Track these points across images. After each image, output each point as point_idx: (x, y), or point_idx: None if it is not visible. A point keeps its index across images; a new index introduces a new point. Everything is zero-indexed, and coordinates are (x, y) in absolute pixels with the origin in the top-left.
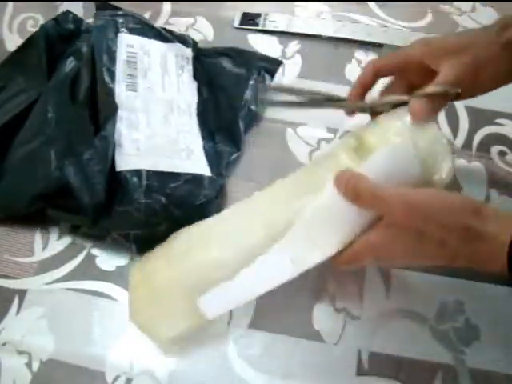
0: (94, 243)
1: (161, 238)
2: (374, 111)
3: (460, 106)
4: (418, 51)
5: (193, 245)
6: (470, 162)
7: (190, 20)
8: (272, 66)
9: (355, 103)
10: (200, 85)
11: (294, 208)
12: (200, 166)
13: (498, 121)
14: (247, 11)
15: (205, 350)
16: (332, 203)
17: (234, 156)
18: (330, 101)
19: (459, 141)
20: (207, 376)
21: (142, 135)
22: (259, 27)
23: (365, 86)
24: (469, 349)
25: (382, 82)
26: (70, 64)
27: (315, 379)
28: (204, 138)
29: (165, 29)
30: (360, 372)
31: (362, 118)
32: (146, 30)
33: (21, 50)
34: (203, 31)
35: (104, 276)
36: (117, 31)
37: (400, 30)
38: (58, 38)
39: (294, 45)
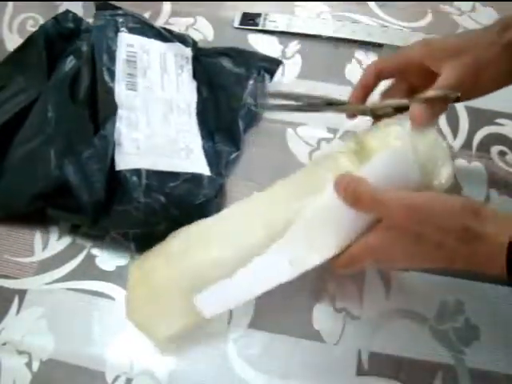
0: (94, 243)
1: (160, 237)
2: (375, 114)
3: (460, 106)
4: (418, 53)
5: (192, 244)
6: (470, 162)
7: (190, 20)
8: (272, 65)
9: (356, 106)
10: (199, 84)
11: (293, 208)
12: (199, 166)
13: (497, 121)
14: (247, 11)
15: (205, 349)
16: (332, 205)
17: (234, 155)
18: (329, 105)
19: (459, 141)
20: (207, 376)
21: (142, 134)
22: (259, 27)
23: (366, 87)
24: (469, 349)
25: (383, 84)
26: (69, 63)
27: (315, 379)
28: (203, 137)
29: (164, 28)
30: (360, 372)
31: (363, 119)
32: (146, 29)
33: (21, 49)
34: (203, 31)
35: (104, 276)
36: (117, 31)
37: (400, 30)
38: (57, 37)
39: (294, 45)
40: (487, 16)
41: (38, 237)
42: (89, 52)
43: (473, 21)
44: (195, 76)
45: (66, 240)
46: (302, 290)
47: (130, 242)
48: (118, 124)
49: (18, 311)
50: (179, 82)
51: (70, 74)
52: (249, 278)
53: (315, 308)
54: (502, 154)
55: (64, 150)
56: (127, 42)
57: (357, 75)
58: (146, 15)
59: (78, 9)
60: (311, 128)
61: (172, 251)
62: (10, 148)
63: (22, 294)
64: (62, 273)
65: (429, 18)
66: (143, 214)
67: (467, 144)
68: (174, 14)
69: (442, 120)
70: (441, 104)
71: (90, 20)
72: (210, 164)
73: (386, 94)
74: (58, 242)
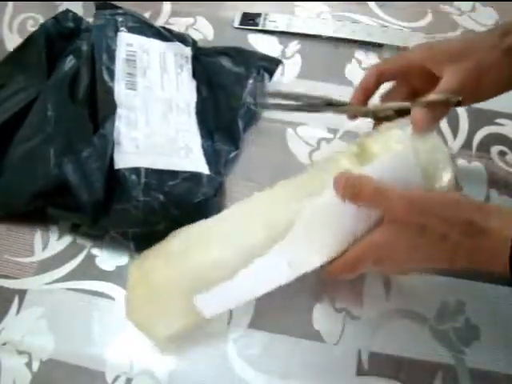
0: (94, 243)
1: (159, 237)
2: (377, 116)
3: None
4: (420, 56)
5: (192, 244)
6: (470, 162)
7: (190, 20)
8: (271, 65)
9: (357, 108)
10: (199, 84)
11: (294, 209)
12: (198, 165)
13: (497, 121)
14: (247, 11)
15: (205, 349)
16: (331, 203)
17: (233, 154)
18: (329, 105)
19: (459, 141)
20: (207, 376)
21: (141, 133)
22: (259, 27)
23: (367, 90)
24: (469, 349)
25: (384, 87)
26: (69, 62)
27: (315, 379)
28: (203, 136)
29: (164, 28)
30: (360, 372)
31: (363, 120)
32: (146, 28)
33: (21, 48)
34: (203, 31)
35: (104, 276)
36: (116, 30)
37: (400, 30)
38: (57, 37)
39: (294, 45)
40: (487, 16)
41: (38, 237)
42: (88, 51)
43: (473, 21)
44: (195, 75)
45: (66, 240)
46: (302, 291)
47: (130, 241)
48: (117, 123)
49: (17, 311)
50: (179, 82)
51: (69, 73)
52: (249, 279)
53: (315, 308)
54: (501, 154)
55: (63, 148)
56: (127, 42)
57: (357, 75)
58: (146, 15)
59: (78, 9)
60: (311, 128)
61: (172, 251)
62: (10, 147)
63: (21, 293)
64: (62, 273)
65: (429, 17)
66: (142, 212)
67: (467, 144)
68: (174, 13)
69: (443, 120)
70: (442, 108)
71: (90, 19)
72: (209, 163)
73: (387, 97)
74: (57, 242)
